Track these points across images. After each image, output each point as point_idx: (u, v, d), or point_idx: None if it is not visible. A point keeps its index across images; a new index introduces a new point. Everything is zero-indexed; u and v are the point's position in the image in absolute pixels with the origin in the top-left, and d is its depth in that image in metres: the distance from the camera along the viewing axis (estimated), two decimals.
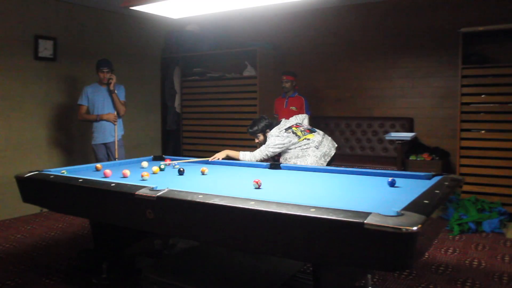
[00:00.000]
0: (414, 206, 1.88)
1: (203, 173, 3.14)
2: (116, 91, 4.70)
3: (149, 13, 3.61)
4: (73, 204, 2.79)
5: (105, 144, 4.75)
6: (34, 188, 2.94)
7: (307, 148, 3.74)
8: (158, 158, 4.00)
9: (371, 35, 5.55)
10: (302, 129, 3.85)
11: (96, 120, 4.70)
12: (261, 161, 3.75)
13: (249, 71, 6.00)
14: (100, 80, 4.75)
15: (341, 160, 5.08)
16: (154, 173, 3.17)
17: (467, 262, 3.45)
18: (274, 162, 3.58)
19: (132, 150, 6.03)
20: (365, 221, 1.65)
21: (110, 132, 4.73)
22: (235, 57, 6.23)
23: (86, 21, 5.55)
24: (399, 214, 1.73)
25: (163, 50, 6.63)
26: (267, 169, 3.42)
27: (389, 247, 1.65)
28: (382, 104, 5.54)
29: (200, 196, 2.13)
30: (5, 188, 4.75)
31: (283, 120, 4.00)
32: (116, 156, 4.67)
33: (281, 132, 3.79)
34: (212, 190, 2.30)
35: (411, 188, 2.52)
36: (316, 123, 5.84)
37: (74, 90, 5.38)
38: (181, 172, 3.11)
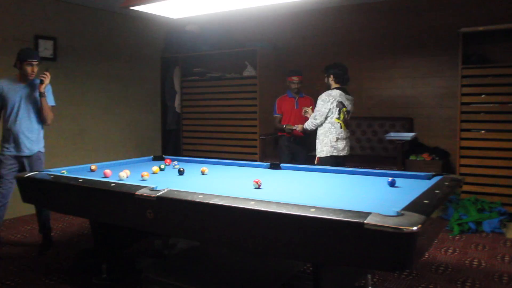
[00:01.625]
0: (414, 206, 1.88)
1: (203, 173, 3.14)
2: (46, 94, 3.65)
3: (149, 13, 3.60)
4: (73, 204, 2.79)
5: (17, 157, 3.66)
6: (34, 188, 2.94)
7: (333, 131, 4.01)
8: (158, 158, 4.00)
9: (371, 35, 5.55)
10: (345, 118, 4.08)
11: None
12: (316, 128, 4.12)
13: (249, 71, 6.00)
14: (21, 75, 3.65)
15: None
16: (154, 173, 3.17)
17: (467, 262, 3.45)
18: (274, 162, 3.57)
19: (132, 150, 6.04)
20: (365, 221, 1.65)
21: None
22: (235, 57, 6.22)
23: (86, 21, 5.55)
24: (399, 214, 1.73)
25: (163, 50, 6.63)
26: (267, 169, 3.42)
27: (389, 247, 1.65)
28: (382, 104, 5.54)
29: (200, 196, 2.13)
30: None
31: (345, 96, 4.11)
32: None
33: (329, 98, 4.02)
34: (212, 190, 2.30)
35: (411, 188, 2.52)
36: None
37: (74, 90, 5.38)
38: (181, 172, 3.11)
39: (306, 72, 5.98)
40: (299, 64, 6.00)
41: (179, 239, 3.32)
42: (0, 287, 3.02)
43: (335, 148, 4.02)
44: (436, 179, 2.68)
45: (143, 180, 2.84)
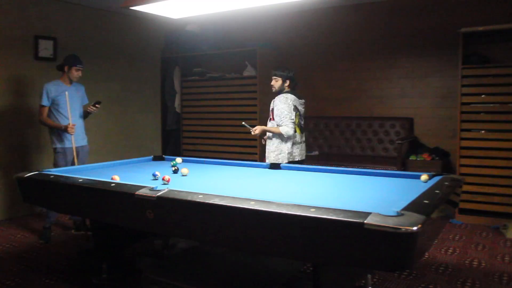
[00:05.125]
0: (414, 206, 1.88)
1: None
2: None
3: (149, 13, 3.60)
4: (73, 204, 2.79)
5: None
6: (34, 188, 2.94)
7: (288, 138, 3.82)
8: (158, 158, 4.00)
9: (371, 35, 5.55)
10: (300, 122, 3.94)
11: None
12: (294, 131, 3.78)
13: (249, 71, 6.00)
14: (67, 77, 4.19)
15: (341, 160, 5.08)
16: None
17: (467, 262, 3.45)
18: (273, 162, 3.57)
19: (132, 150, 6.03)
20: (365, 221, 1.65)
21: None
22: (235, 57, 6.22)
23: (86, 21, 5.55)
24: (399, 214, 1.73)
25: (163, 50, 6.63)
26: (267, 169, 3.42)
27: (389, 247, 1.65)
28: (382, 104, 5.54)
29: (200, 196, 2.13)
30: (5, 188, 4.75)
31: (298, 100, 3.93)
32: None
33: (289, 102, 3.81)
34: (212, 190, 2.30)
35: (411, 188, 2.52)
36: (316, 123, 5.85)
37: None
38: (175, 171, 3.11)
39: (306, 72, 5.99)
40: (298, 64, 5.99)
41: (179, 239, 3.32)
42: (0, 287, 3.02)
43: (291, 154, 3.80)
44: (436, 179, 2.68)
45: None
